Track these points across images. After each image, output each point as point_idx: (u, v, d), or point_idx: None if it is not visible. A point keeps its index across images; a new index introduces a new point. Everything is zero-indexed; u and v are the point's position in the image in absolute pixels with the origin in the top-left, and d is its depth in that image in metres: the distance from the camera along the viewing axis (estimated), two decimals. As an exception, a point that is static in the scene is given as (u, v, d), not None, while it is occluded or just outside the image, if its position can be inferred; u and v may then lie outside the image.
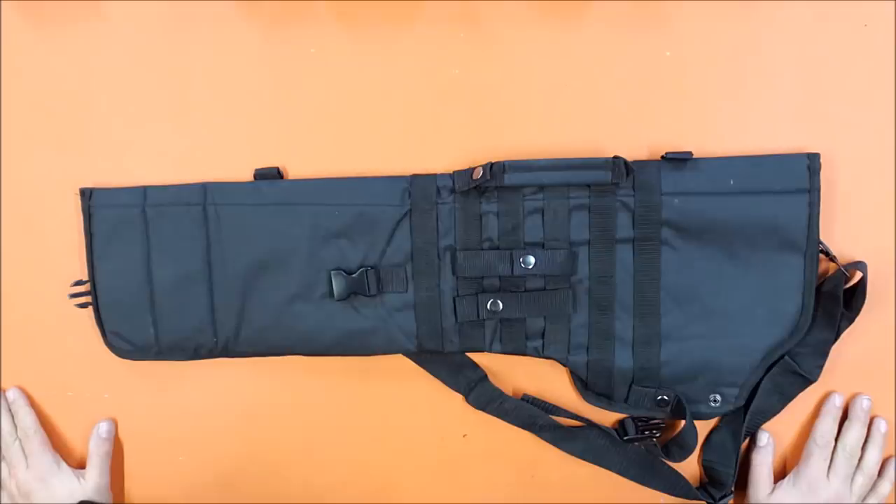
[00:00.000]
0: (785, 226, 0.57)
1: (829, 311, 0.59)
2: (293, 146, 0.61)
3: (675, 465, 0.63)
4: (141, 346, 0.62)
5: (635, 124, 0.60)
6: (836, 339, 0.60)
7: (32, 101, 0.62)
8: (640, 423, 0.62)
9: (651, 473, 0.63)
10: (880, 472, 0.63)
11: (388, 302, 0.60)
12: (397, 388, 0.64)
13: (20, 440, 0.65)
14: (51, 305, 0.64)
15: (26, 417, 0.65)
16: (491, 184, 0.57)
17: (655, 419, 0.61)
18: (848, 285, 0.59)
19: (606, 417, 0.63)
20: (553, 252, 0.58)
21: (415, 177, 0.59)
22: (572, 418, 0.62)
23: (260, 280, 0.60)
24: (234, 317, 0.61)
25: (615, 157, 0.57)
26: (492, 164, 0.57)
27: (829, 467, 0.61)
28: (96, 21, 0.61)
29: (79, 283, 0.62)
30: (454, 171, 0.59)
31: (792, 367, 0.59)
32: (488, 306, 0.59)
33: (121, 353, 0.63)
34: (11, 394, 0.66)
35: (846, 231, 0.60)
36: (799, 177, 0.56)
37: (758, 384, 0.60)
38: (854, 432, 0.62)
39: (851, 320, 0.59)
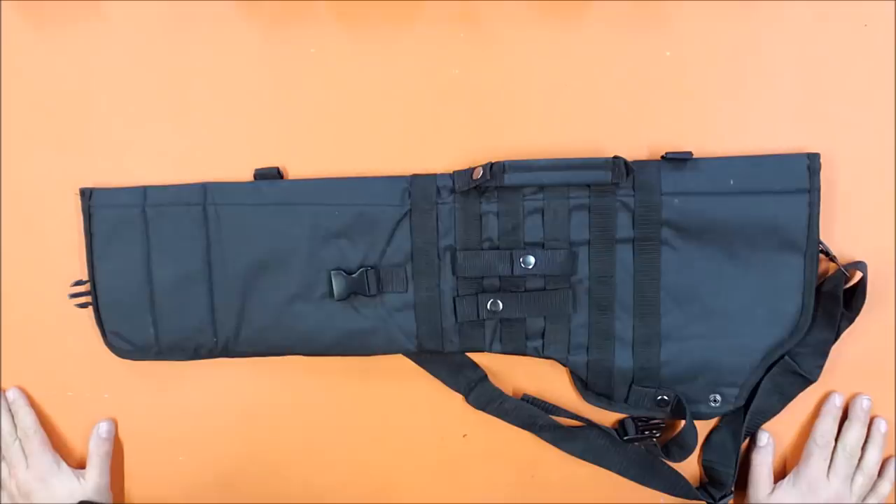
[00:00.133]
0: (785, 226, 0.57)
1: (829, 311, 0.59)
2: (293, 146, 0.61)
3: (675, 465, 0.63)
4: (141, 346, 0.62)
5: (635, 124, 0.60)
6: (836, 339, 0.60)
7: (32, 101, 0.62)
8: (640, 423, 0.62)
9: (651, 473, 0.63)
10: (880, 472, 0.63)
11: (388, 302, 0.60)
12: (397, 388, 0.64)
13: (20, 440, 0.65)
14: (51, 305, 0.64)
15: (26, 417, 0.65)
16: (491, 184, 0.57)
17: (655, 419, 0.61)
18: (848, 285, 0.59)
19: (606, 417, 0.63)
20: (553, 252, 0.58)
21: (415, 177, 0.59)
22: (572, 418, 0.62)
23: (260, 280, 0.60)
24: (234, 317, 0.61)
25: (615, 157, 0.57)
26: (492, 164, 0.57)
27: (829, 467, 0.61)
28: (96, 21, 0.61)
29: (79, 283, 0.62)
30: (454, 171, 0.59)
31: (792, 367, 0.59)
32: (488, 306, 0.59)
33: (121, 353, 0.63)
34: (11, 394, 0.66)
35: (846, 231, 0.60)
36: (799, 177, 0.56)
37: (758, 384, 0.60)
38: (854, 432, 0.62)
39: (851, 320, 0.59)
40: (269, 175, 0.60)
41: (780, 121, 0.59)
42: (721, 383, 0.60)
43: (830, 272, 0.60)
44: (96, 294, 0.61)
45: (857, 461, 0.62)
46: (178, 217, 0.60)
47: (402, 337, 0.60)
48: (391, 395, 0.65)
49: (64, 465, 0.65)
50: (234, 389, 0.65)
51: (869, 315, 0.59)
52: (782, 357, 0.59)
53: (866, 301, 0.58)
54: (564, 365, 0.61)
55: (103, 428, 0.65)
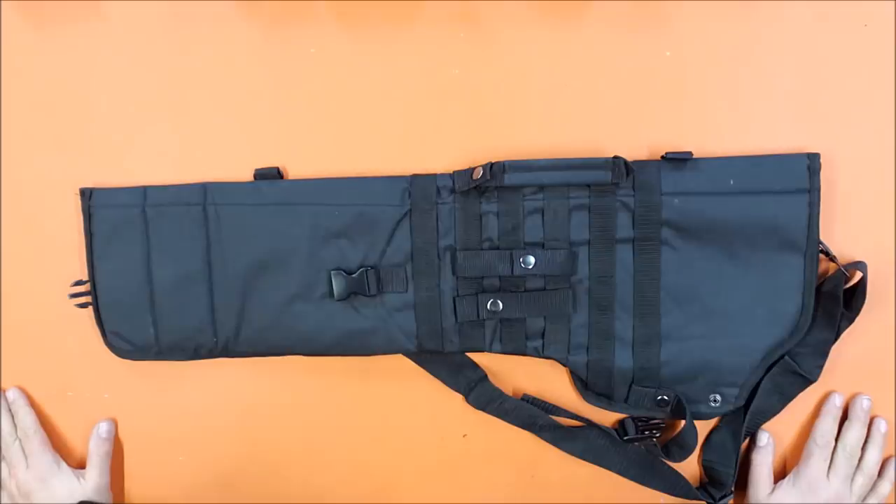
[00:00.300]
0: (785, 226, 0.57)
1: (829, 311, 0.59)
2: (293, 146, 0.61)
3: (675, 465, 0.63)
4: (141, 346, 0.62)
5: (635, 124, 0.60)
6: (836, 339, 0.60)
7: (32, 101, 0.62)
8: (640, 423, 0.62)
9: (651, 473, 0.63)
10: (880, 472, 0.63)
11: (388, 302, 0.60)
12: (397, 388, 0.64)
13: (20, 440, 0.65)
14: (51, 305, 0.64)
15: (26, 417, 0.65)
16: (491, 184, 0.57)
17: (655, 419, 0.61)
18: (848, 285, 0.59)
19: (606, 417, 0.63)
20: (553, 252, 0.58)
21: (415, 177, 0.59)
22: (572, 418, 0.62)
23: (260, 280, 0.60)
24: (234, 317, 0.61)
25: (615, 157, 0.57)
26: (492, 164, 0.57)
27: (829, 467, 0.61)
28: (96, 21, 0.61)
29: (79, 283, 0.62)
30: (454, 171, 0.59)
31: (792, 367, 0.59)
32: (488, 306, 0.59)
33: (121, 353, 0.63)
34: (11, 394, 0.66)
35: (846, 231, 0.60)
36: (799, 177, 0.56)
37: (758, 384, 0.60)
38: (854, 432, 0.62)
39: (851, 320, 0.59)
40: (269, 175, 0.60)
41: (780, 121, 0.59)
42: (721, 383, 0.60)
43: (830, 272, 0.60)
44: (96, 294, 0.61)
45: (857, 461, 0.62)
46: (178, 217, 0.60)
47: (402, 337, 0.60)
48: (391, 395, 0.65)
49: (64, 465, 0.65)
50: (234, 389, 0.65)
51: (869, 315, 0.59)
52: (782, 357, 0.59)
53: (866, 301, 0.58)
54: (564, 365, 0.61)
55: (103, 428, 0.65)
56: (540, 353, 0.60)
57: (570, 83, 0.60)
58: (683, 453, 0.61)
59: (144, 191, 0.60)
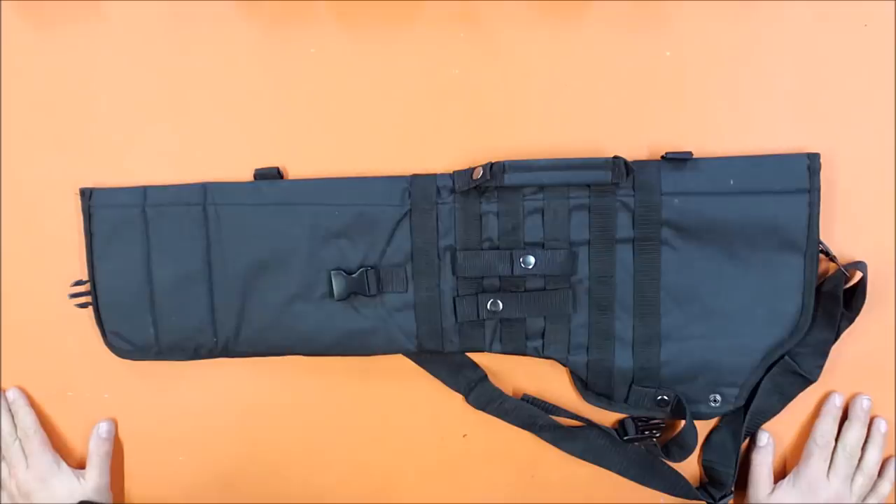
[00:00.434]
0: (785, 226, 0.57)
1: (829, 311, 0.59)
2: (293, 146, 0.61)
3: (675, 465, 0.63)
4: (141, 346, 0.62)
5: (635, 124, 0.60)
6: (836, 339, 0.60)
7: (32, 101, 0.62)
8: (640, 423, 0.62)
9: (651, 473, 0.63)
10: (880, 472, 0.63)
11: (388, 302, 0.60)
12: (397, 388, 0.64)
13: (20, 440, 0.65)
14: (51, 305, 0.64)
15: (26, 417, 0.65)
16: (491, 184, 0.57)
17: (655, 419, 0.61)
18: (848, 285, 0.59)
19: (606, 417, 0.63)
20: (553, 252, 0.58)
21: (415, 177, 0.59)
22: (572, 418, 0.62)
23: (260, 280, 0.60)
24: (234, 317, 0.61)
25: (615, 157, 0.57)
26: (492, 164, 0.57)
27: (829, 467, 0.61)
28: (96, 21, 0.61)
29: (79, 283, 0.62)
30: (454, 171, 0.59)
31: (792, 367, 0.59)
32: (488, 306, 0.59)
33: (121, 353, 0.63)
34: (11, 394, 0.66)
35: (846, 231, 0.60)
36: (799, 177, 0.56)
37: (758, 384, 0.60)
38: (854, 432, 0.62)
39: (851, 320, 0.59)
40: (269, 175, 0.60)
41: (780, 121, 0.59)
42: (721, 383, 0.60)
43: (830, 272, 0.60)
44: (96, 294, 0.61)
45: (857, 461, 0.62)
46: (178, 217, 0.60)
47: (402, 337, 0.60)
48: (391, 395, 0.65)
49: (64, 465, 0.65)
50: (234, 389, 0.65)
51: (869, 315, 0.59)
52: (782, 357, 0.59)
53: (866, 301, 0.58)
54: (564, 365, 0.61)
55: (103, 428, 0.65)
56: (540, 353, 0.60)
57: (570, 83, 0.60)
58: (683, 453, 0.61)
59: (144, 191, 0.60)
